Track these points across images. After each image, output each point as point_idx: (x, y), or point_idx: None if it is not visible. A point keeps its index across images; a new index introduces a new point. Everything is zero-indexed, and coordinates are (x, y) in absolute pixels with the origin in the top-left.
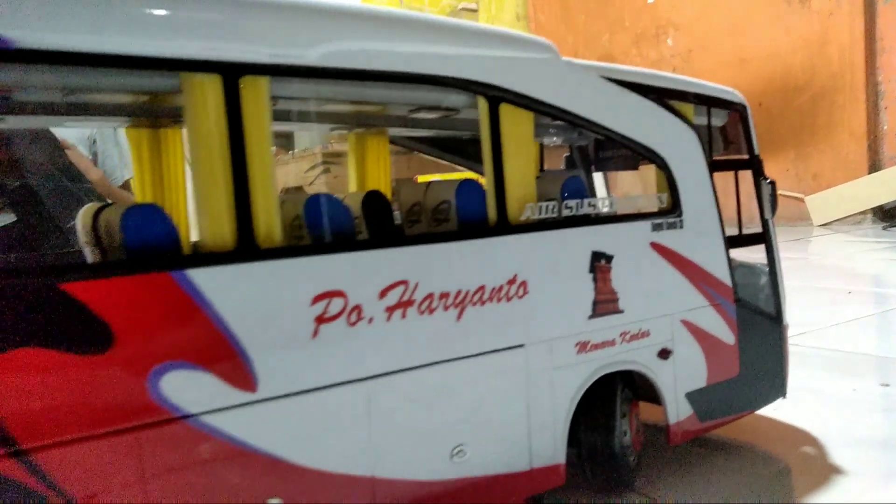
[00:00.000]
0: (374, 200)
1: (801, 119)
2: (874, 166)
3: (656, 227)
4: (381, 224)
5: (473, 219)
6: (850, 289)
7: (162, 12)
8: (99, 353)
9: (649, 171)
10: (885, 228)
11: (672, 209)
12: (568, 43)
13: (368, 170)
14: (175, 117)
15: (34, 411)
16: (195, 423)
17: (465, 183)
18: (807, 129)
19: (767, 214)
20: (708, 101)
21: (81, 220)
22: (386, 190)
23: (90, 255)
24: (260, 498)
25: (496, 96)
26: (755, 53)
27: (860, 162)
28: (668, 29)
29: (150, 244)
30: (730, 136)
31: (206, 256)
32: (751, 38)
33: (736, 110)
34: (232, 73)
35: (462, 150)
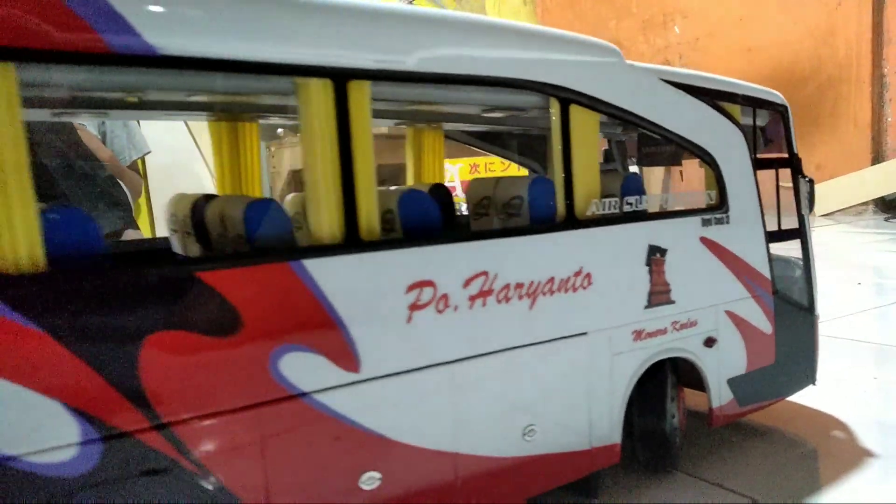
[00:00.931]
0: (438, 193)
1: (806, 109)
2: (877, 157)
3: (705, 223)
4: (446, 216)
5: (544, 214)
6: (859, 280)
7: (282, 23)
8: (229, 336)
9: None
10: (886, 220)
11: (719, 205)
12: (574, 28)
13: (425, 162)
14: (255, 113)
15: (174, 389)
16: (308, 401)
17: (538, 180)
18: (811, 119)
19: (805, 211)
20: (753, 103)
21: (174, 208)
22: (441, 180)
23: (180, 243)
24: (360, 469)
25: (567, 98)
26: (762, 42)
27: (863, 153)
28: (675, 16)
29: (270, 236)
30: (770, 135)
31: (318, 248)
32: (758, 27)
33: (778, 111)
34: (341, 78)
35: (507, 143)
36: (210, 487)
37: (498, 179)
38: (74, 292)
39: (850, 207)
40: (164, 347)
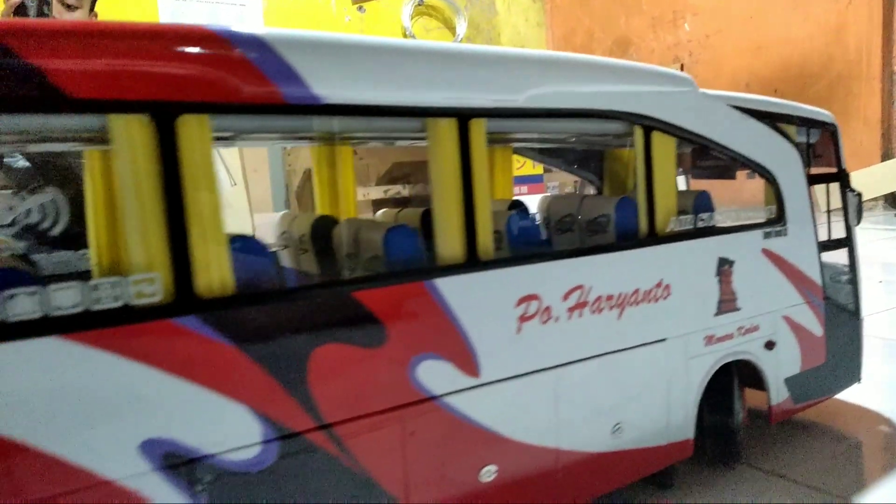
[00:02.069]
0: (519, 210)
1: (816, 106)
2: (887, 154)
3: (767, 235)
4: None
5: (629, 231)
6: (881, 278)
7: (418, 71)
8: (377, 348)
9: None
10: None
11: (778, 219)
12: (584, 25)
13: (497, 179)
14: (352, 138)
15: (334, 394)
16: (439, 403)
17: (624, 199)
18: None
19: (852, 222)
20: (807, 123)
21: (287, 226)
22: (509, 196)
23: (293, 259)
24: (481, 463)
25: (649, 125)
26: (772, 39)
27: (873, 150)
28: (685, 14)
29: (406, 259)
30: (818, 151)
31: (446, 268)
32: (768, 24)
33: (828, 130)
34: (464, 117)
35: (567, 158)
36: (361, 480)
37: (582, 198)
38: (257, 312)
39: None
40: (328, 358)
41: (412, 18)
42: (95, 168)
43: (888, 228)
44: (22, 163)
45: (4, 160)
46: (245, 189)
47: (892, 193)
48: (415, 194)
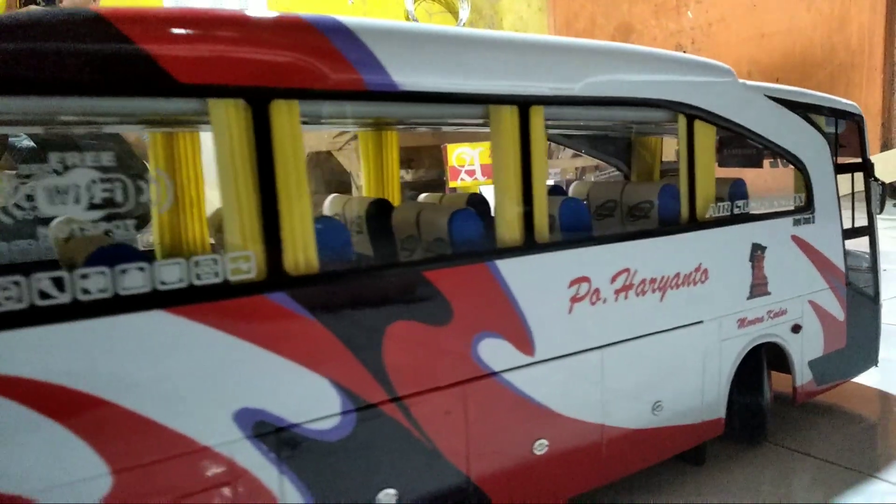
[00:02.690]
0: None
1: None
2: (886, 144)
3: (796, 223)
4: None
5: (671, 216)
6: (884, 267)
7: (486, 61)
8: (444, 325)
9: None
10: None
11: (807, 206)
12: (587, 10)
13: None
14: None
15: (405, 369)
16: (498, 379)
17: (667, 187)
18: None
19: (875, 210)
20: (836, 114)
21: (338, 209)
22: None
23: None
24: (534, 436)
25: (692, 114)
26: (775, 28)
27: (873, 140)
28: (688, 1)
29: (470, 241)
30: (844, 141)
31: (506, 250)
32: (771, 13)
33: (855, 121)
34: (525, 105)
35: (596, 144)
36: (427, 450)
37: (624, 184)
38: (339, 289)
39: (859, 192)
40: (400, 334)
41: (415, 2)
42: (190, 148)
43: (887, 218)
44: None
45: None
46: None
47: (891, 183)
48: (416, 179)
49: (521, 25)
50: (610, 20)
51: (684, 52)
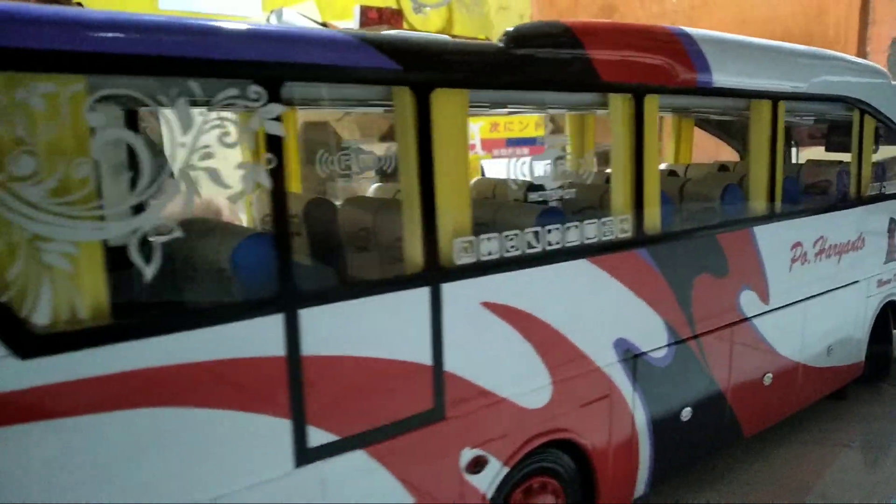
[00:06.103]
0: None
1: None
2: None
3: None
4: None
5: (844, 193)
6: None
7: (763, 63)
8: (723, 278)
9: None
10: None
11: None
12: None
13: (682, 145)
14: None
15: (702, 312)
16: (749, 323)
17: (844, 169)
18: None
19: None
20: None
21: None
22: (688, 161)
23: None
24: (766, 370)
25: (864, 109)
26: (756, 15)
27: None
28: None
29: (735, 210)
30: None
31: (759, 218)
32: (752, 0)
33: None
34: (776, 99)
35: (725, 128)
36: (706, 376)
37: (802, 164)
38: (672, 247)
39: None
40: (702, 285)
41: None
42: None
43: None
44: None
45: None
46: None
47: None
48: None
49: (503, 1)
50: (593, 1)
51: None
